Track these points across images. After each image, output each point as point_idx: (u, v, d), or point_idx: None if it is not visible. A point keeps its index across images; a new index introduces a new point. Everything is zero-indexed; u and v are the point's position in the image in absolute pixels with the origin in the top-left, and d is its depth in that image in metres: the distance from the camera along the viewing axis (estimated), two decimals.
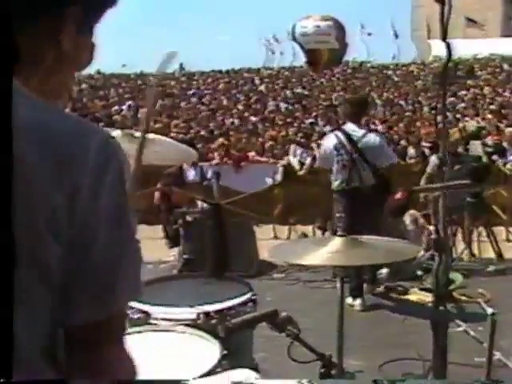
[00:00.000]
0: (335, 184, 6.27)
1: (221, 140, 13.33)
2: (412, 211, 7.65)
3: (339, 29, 17.21)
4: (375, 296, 6.38)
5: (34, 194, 1.00)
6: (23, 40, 1.03)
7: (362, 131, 6.28)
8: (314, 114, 21.70)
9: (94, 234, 1.05)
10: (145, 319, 2.83)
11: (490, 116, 18.75)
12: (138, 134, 3.13)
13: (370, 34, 57.45)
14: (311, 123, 18.59)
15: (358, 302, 6.08)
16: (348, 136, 6.16)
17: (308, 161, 11.96)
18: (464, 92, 25.92)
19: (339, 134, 6.25)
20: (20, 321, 1.01)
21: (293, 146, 12.92)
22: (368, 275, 6.34)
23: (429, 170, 7.93)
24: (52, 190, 1.00)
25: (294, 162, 12.12)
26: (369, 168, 6.13)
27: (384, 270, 6.57)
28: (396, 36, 60.57)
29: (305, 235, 9.11)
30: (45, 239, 1.01)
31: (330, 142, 6.36)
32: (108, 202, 1.05)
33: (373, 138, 6.32)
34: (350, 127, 6.24)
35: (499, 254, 7.81)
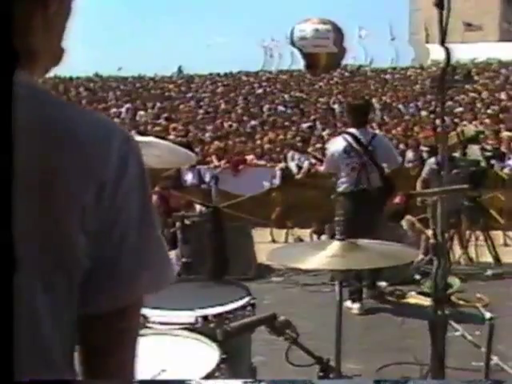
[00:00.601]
0: (343, 187, 6.22)
1: (216, 143, 13.37)
2: (408, 216, 7.66)
3: (337, 32, 17.26)
4: (374, 300, 6.37)
5: (63, 195, 1.02)
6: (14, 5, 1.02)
7: (370, 134, 6.33)
8: (312, 117, 21.73)
9: (116, 226, 1.07)
10: (143, 323, 2.83)
11: (487, 120, 18.79)
12: (138, 137, 3.14)
13: (367, 37, 57.44)
14: (309, 127, 18.60)
15: (356, 305, 6.07)
16: (357, 139, 6.17)
17: (306, 164, 11.98)
18: (462, 96, 25.96)
19: (348, 137, 6.24)
20: (48, 320, 1.03)
21: (291, 152, 12.95)
22: (367, 281, 6.32)
23: (424, 174, 7.92)
24: (81, 189, 1.02)
25: (292, 165, 12.14)
26: (377, 170, 6.16)
27: (384, 283, 6.57)
28: (392, 39, 60.69)
29: (300, 240, 9.09)
30: (75, 237, 1.03)
31: (338, 145, 6.32)
32: (129, 197, 1.07)
33: (381, 141, 6.45)
34: (356, 131, 6.24)
35: (497, 259, 7.80)
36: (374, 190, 6.12)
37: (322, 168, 6.83)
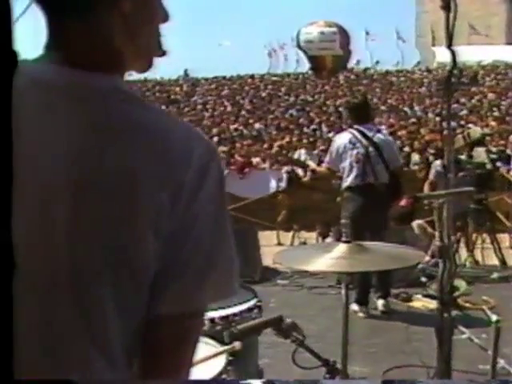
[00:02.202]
0: (349, 180, 6.15)
1: (219, 149, 13.41)
2: (420, 221, 7.65)
3: (343, 35, 17.25)
4: (386, 310, 6.25)
5: (138, 194, 1.04)
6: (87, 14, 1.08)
7: (375, 128, 6.35)
8: (318, 120, 21.72)
9: (191, 231, 1.08)
10: None
11: (493, 123, 18.76)
12: None
13: (373, 40, 57.41)
14: (314, 130, 18.59)
15: (362, 308, 6.06)
16: (362, 132, 6.16)
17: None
18: (468, 98, 25.93)
19: (353, 130, 6.25)
20: (110, 318, 1.05)
21: (297, 153, 12.96)
22: (379, 291, 6.24)
23: (431, 176, 7.92)
24: (157, 190, 1.05)
25: (298, 168, 12.13)
26: (382, 163, 6.13)
27: None
28: (403, 41, 60.75)
29: (304, 243, 9.06)
30: (146, 237, 1.05)
31: (344, 138, 6.30)
32: (206, 204, 1.09)
33: (386, 137, 6.50)
34: (361, 126, 6.23)
35: (503, 261, 7.79)
36: (380, 186, 6.05)
37: (323, 166, 6.77)
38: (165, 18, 1.19)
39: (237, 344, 2.46)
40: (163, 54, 1.20)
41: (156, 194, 1.04)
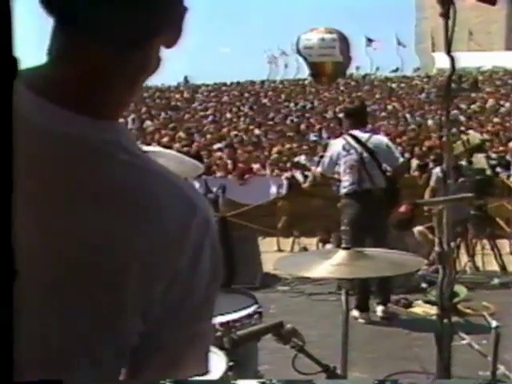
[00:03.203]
0: (346, 186, 6.16)
1: (218, 154, 13.44)
2: (420, 228, 7.66)
3: (343, 41, 17.31)
4: (385, 317, 6.22)
5: (127, 285, 0.96)
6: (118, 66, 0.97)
7: (369, 132, 6.32)
8: (318, 126, 21.74)
9: (180, 313, 1.02)
10: None
11: (493, 129, 18.78)
12: (145, 147, 3.17)
13: (373, 45, 57.41)
14: (315, 136, 18.60)
15: (363, 315, 6.06)
16: (356, 138, 6.16)
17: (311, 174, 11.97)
18: (467, 104, 25.95)
19: (346, 136, 6.25)
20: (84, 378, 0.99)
21: (297, 159, 12.98)
22: (378, 297, 6.23)
23: (432, 183, 7.95)
24: (150, 280, 0.97)
25: (298, 174, 12.14)
26: (378, 168, 6.14)
27: None
28: (404, 46, 60.92)
29: (305, 249, 9.06)
30: (132, 319, 0.98)
31: (338, 145, 6.33)
32: (198, 284, 1.02)
33: (379, 139, 6.42)
34: (355, 132, 6.24)
35: (503, 267, 7.79)
36: (378, 191, 6.05)
37: (318, 170, 6.79)
38: None
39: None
40: None
41: (148, 284, 0.97)
